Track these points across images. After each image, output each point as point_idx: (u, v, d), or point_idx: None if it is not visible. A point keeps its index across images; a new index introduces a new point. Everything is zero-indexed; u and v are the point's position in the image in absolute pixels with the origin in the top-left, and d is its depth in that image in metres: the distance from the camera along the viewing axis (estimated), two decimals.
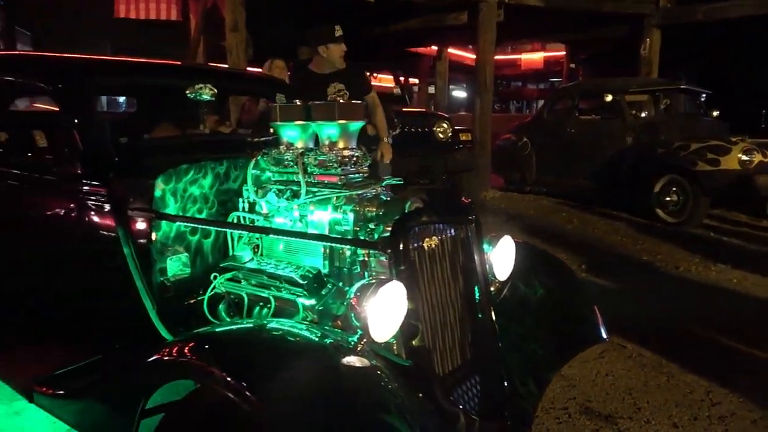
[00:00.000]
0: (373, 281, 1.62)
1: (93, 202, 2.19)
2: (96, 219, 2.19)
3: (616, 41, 10.98)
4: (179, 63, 3.75)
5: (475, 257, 1.94)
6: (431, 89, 18.08)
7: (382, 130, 4.35)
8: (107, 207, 2.15)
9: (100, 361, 2.13)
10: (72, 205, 2.24)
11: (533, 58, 21.23)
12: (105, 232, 2.16)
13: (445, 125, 7.38)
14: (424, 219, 1.77)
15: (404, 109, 7.84)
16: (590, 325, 2.29)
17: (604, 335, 2.28)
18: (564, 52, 16.93)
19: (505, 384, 1.92)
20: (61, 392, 1.90)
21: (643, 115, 7.60)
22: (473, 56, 10.65)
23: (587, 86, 9.20)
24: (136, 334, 2.19)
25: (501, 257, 2.14)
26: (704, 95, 8.00)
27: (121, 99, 10.79)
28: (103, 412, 1.85)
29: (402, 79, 11.93)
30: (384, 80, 12.09)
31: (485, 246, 2.07)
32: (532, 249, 2.49)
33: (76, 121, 2.25)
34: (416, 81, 17.75)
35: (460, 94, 24.77)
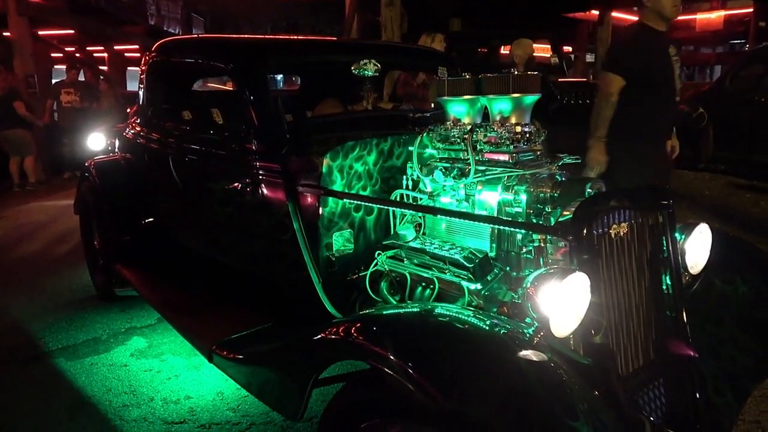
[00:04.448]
0: (552, 270, 1.48)
1: (266, 177, 2.28)
2: (269, 193, 2.29)
3: None
4: (345, 39, 3.80)
5: (668, 247, 1.71)
6: (588, 57, 16.82)
7: None
8: (279, 182, 2.22)
9: (271, 329, 2.25)
10: (248, 179, 2.35)
11: (711, 17, 18.72)
12: (276, 206, 2.25)
13: None
14: (612, 204, 1.57)
15: (562, 80, 7.35)
16: None
17: None
18: (751, 9, 14.76)
19: (697, 393, 1.68)
20: (240, 357, 2.02)
21: None
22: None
23: None
24: (302, 304, 2.28)
25: (695, 248, 1.86)
26: None
27: (278, 77, 11.24)
28: (274, 378, 1.94)
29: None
30: (539, 49, 11.44)
31: (676, 234, 1.81)
32: (730, 239, 2.15)
33: (252, 99, 2.35)
34: (569, 49, 16.60)
35: None
